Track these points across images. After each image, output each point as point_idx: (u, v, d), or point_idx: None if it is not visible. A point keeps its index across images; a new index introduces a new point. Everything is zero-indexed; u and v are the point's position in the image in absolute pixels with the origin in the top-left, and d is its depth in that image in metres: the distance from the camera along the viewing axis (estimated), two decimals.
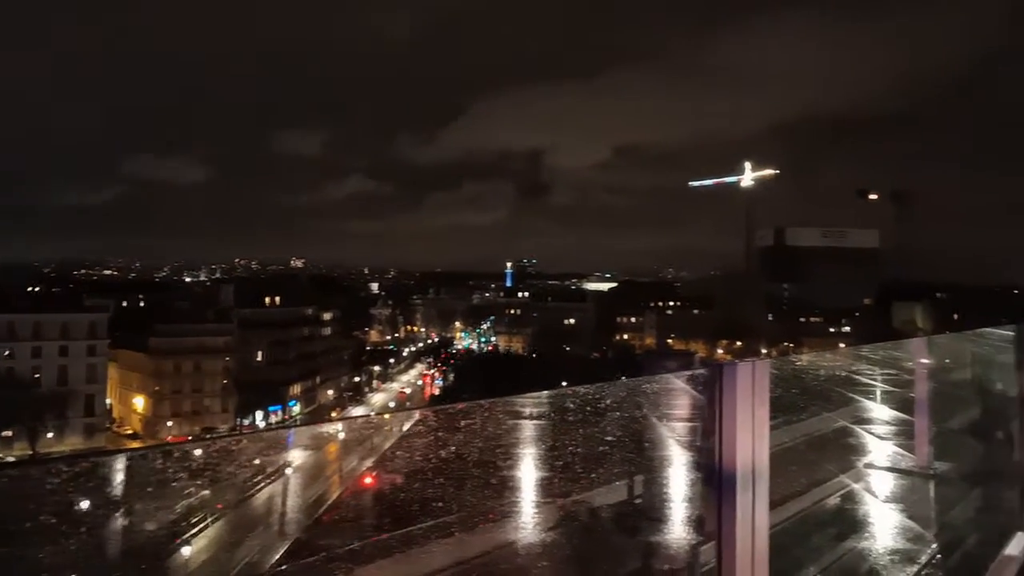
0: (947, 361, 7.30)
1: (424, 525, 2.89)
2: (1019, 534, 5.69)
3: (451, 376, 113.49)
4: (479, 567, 3.10)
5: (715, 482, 2.63)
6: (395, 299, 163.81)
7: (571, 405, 3.05)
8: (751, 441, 2.63)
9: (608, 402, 3.05)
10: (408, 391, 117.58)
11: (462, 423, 2.78)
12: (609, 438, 3.13)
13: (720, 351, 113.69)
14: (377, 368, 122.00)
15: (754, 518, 2.60)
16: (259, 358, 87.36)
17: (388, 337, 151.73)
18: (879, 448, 6.32)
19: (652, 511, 3.24)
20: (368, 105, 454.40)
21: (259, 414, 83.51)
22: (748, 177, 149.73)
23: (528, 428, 2.99)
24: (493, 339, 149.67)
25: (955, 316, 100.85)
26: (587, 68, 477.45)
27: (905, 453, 6.09)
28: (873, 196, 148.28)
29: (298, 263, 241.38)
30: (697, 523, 2.93)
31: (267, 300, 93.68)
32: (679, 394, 3.24)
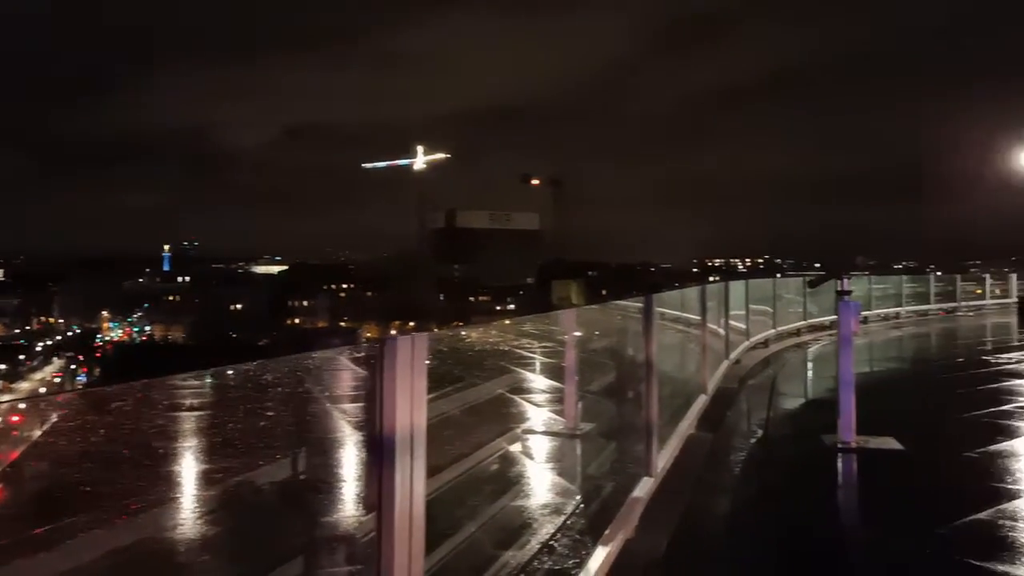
0: (595, 332, 8.13)
1: (71, 520, 2.54)
2: (645, 479, 6.51)
3: (96, 370, 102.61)
4: (133, 558, 2.79)
5: (376, 452, 2.63)
6: (25, 288, 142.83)
7: (232, 384, 2.87)
8: (410, 412, 2.66)
9: (271, 379, 2.93)
10: (43, 390, 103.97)
11: (109, 409, 2.47)
12: (272, 414, 2.99)
13: (393, 332, 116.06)
14: (3, 367, 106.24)
15: (412, 485, 2.64)
16: None
17: (17, 331, 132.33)
18: (535, 414, 6.81)
19: (318, 485, 3.16)
20: None
21: None
22: (421, 160, 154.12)
23: (185, 411, 2.77)
24: (148, 328, 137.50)
25: (603, 291, 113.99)
26: (260, 44, 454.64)
27: (557, 417, 6.64)
28: (535, 181, 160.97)
29: None
30: (360, 493, 2.91)
31: None
32: (344, 370, 3.19)
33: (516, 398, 6.85)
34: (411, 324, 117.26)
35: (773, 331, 20.46)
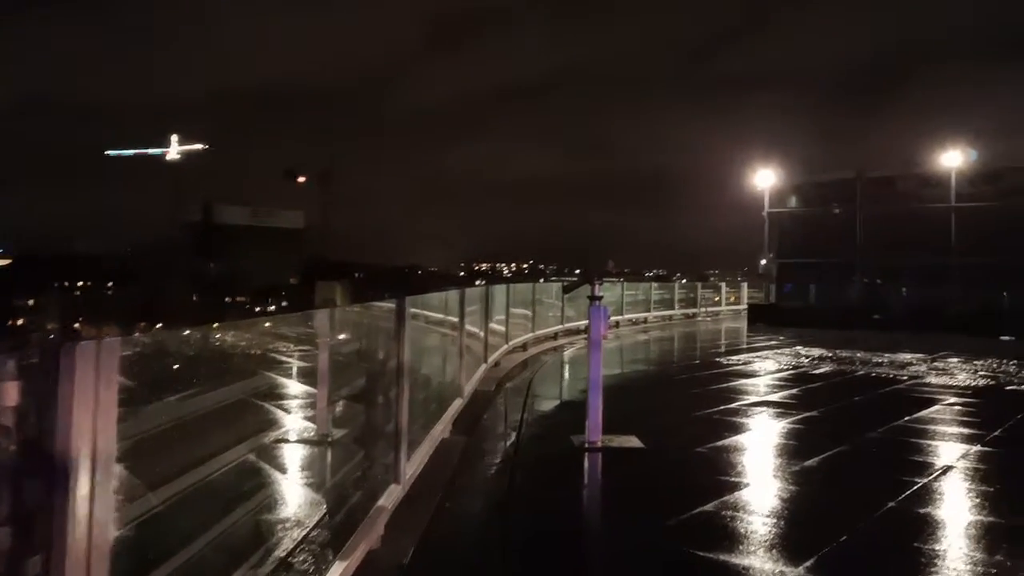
0: (359, 335, 7.81)
1: None
2: (392, 486, 6.32)
3: None
4: None
5: (46, 481, 2.17)
6: None
7: None
8: (92, 429, 2.23)
9: None
10: None
11: None
12: None
13: (137, 334, 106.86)
14: None
15: (92, 513, 2.21)
16: None
17: None
18: (284, 420, 6.40)
19: None
20: None
21: None
22: (175, 150, 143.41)
23: None
24: None
25: (370, 294, 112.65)
26: None
27: (308, 424, 6.28)
28: (301, 179, 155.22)
29: None
30: (25, 527, 2.38)
31: None
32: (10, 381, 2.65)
33: (264, 404, 6.39)
34: (159, 325, 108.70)
35: (532, 335, 21.23)
